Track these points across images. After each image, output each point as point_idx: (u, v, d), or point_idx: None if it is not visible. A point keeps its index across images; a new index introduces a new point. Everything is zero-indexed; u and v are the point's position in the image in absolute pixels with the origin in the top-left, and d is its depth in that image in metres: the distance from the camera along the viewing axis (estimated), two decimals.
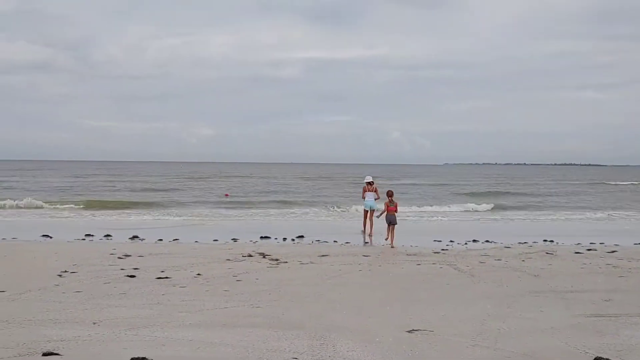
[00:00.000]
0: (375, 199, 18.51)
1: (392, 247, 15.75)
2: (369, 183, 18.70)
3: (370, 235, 17.63)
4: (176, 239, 16.37)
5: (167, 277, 10.35)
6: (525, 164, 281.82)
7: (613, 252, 14.57)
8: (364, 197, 18.71)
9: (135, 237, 16.73)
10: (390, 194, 17.17)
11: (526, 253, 14.19)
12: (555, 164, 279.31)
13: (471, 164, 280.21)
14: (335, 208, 30.05)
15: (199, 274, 10.73)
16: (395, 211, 16.83)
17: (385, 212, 16.83)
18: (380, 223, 17.10)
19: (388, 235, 16.46)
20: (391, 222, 16.50)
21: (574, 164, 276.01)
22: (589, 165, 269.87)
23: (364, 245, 16.57)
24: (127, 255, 12.80)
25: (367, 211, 18.34)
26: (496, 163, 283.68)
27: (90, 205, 30.26)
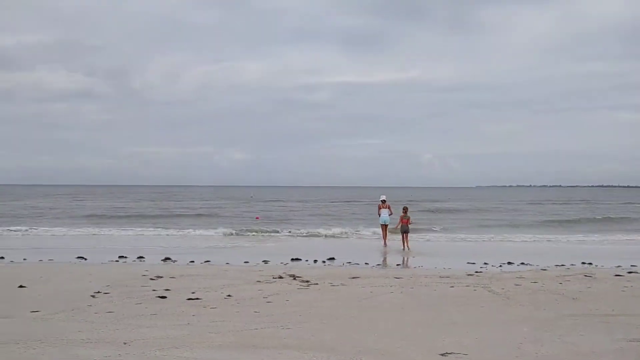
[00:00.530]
0: (389, 215, 21.89)
1: (408, 248, 20.39)
2: (383, 201, 22.05)
3: (385, 245, 21.47)
4: (207, 261, 16.45)
5: (197, 298, 10.35)
6: (560, 186, 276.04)
7: None
8: (379, 214, 22.11)
9: (167, 258, 16.87)
10: (405, 210, 21.53)
11: (563, 276, 13.77)
12: (592, 186, 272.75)
13: (504, 186, 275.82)
14: (364, 231, 29.80)
15: (229, 295, 10.70)
16: (409, 223, 21.23)
17: (400, 224, 21.18)
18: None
19: (403, 242, 20.77)
20: (405, 232, 20.97)
21: (612, 186, 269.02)
22: (629, 187, 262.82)
23: (384, 251, 20.17)
24: (159, 277, 12.88)
25: (383, 225, 21.87)
26: (530, 185, 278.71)
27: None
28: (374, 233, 28.53)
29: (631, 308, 9.87)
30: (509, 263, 16.46)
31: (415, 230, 26.69)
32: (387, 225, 21.86)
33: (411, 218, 21.74)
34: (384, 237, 21.89)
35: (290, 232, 29.17)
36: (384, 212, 21.86)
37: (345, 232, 28.52)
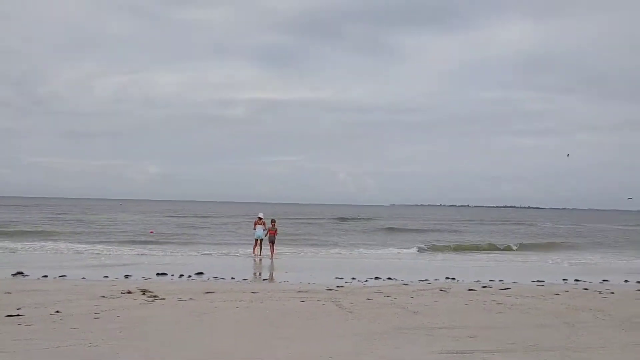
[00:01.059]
0: (264, 230, 23.80)
1: (272, 258, 22.52)
2: (260, 218, 24.05)
3: (260, 257, 22.97)
4: (63, 275, 15.49)
5: (19, 315, 9.61)
6: (468, 205, 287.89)
7: (507, 289, 14.61)
8: (254, 229, 24.03)
9: (19, 273, 15.74)
10: (273, 222, 23.99)
11: (420, 290, 14.04)
12: (497, 206, 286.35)
13: (417, 205, 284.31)
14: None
15: (57, 312, 10.02)
16: (275, 233, 23.74)
17: (268, 234, 23.57)
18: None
19: (271, 252, 23.06)
20: (272, 242, 23.39)
21: (515, 207, 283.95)
22: (529, 207, 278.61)
23: (255, 263, 21.66)
24: None
25: (257, 240, 23.77)
26: (440, 204, 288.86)
27: None
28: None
29: (462, 320, 10.11)
30: (376, 278, 16.63)
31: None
32: (261, 240, 23.82)
33: (278, 230, 24.46)
34: (255, 249, 23.82)
35: (178, 246, 28.28)
36: (259, 228, 23.92)
37: (235, 248, 27.98)
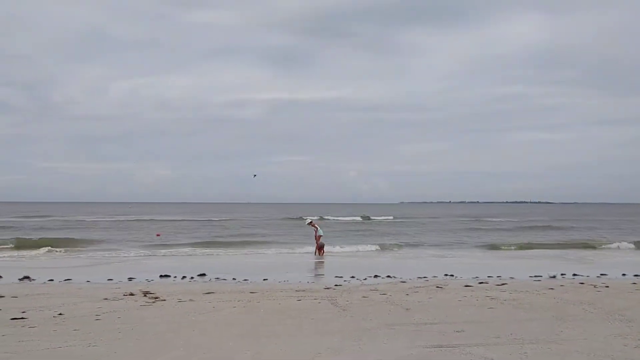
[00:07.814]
0: None
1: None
2: None
3: None
4: (68, 279, 15.89)
5: (22, 318, 9.99)
6: (478, 202, 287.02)
7: (503, 284, 14.82)
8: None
9: (26, 277, 16.17)
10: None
11: (417, 287, 14.30)
12: (507, 202, 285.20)
13: (425, 202, 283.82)
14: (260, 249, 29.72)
15: (60, 314, 10.39)
16: None
17: None
18: None
19: None
20: None
21: (525, 202, 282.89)
22: (539, 202, 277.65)
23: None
24: (0, 297, 12.33)
25: None
26: (450, 201, 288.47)
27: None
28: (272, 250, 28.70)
29: (452, 316, 10.37)
30: (376, 276, 16.90)
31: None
32: None
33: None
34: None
35: (184, 248, 28.71)
36: None
37: (242, 249, 28.39)
